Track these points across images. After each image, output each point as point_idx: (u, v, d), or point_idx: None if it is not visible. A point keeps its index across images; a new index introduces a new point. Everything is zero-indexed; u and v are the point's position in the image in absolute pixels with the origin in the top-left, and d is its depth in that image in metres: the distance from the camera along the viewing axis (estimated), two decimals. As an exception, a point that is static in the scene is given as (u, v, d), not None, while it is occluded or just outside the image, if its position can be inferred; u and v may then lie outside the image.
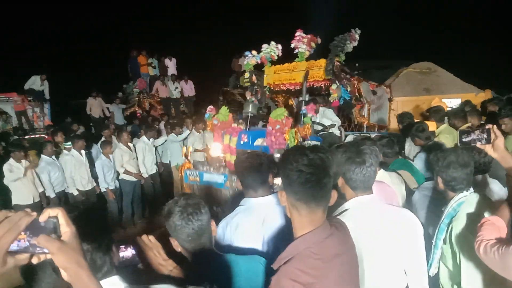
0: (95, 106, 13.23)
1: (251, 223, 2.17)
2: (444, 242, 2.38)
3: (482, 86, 9.65)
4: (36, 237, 0.94)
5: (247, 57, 6.25)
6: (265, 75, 6.31)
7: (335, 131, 6.46)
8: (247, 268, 1.73)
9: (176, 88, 14.18)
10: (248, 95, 6.31)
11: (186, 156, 5.37)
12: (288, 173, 1.43)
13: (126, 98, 14.55)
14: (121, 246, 1.63)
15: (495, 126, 2.01)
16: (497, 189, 2.86)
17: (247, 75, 6.31)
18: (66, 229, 0.99)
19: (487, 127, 2.01)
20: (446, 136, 4.98)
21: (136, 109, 13.91)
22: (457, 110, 5.43)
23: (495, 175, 3.07)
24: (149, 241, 1.66)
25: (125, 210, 7.39)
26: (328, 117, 6.52)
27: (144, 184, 7.70)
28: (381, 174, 3.11)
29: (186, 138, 8.48)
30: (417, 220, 1.98)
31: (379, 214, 1.93)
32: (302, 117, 5.36)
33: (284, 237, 2.07)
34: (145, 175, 7.66)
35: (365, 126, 6.75)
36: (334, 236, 1.48)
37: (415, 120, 5.72)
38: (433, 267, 2.46)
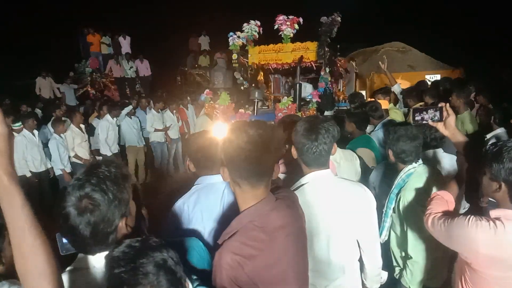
0: (44, 87, 12.62)
1: (210, 200, 2.15)
2: (394, 211, 2.52)
3: (453, 64, 10.06)
4: None
5: (231, 38, 6.47)
6: (249, 55, 6.55)
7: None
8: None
9: (131, 67, 13.77)
10: (237, 75, 6.57)
11: None
12: (228, 150, 1.43)
13: (78, 77, 13.92)
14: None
15: (447, 105, 2.07)
16: (449, 163, 2.96)
17: (235, 56, 6.54)
18: None
19: (439, 105, 2.08)
20: (395, 111, 5.26)
21: (89, 89, 13.36)
22: (410, 89, 5.64)
23: (451, 151, 3.20)
24: None
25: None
26: (307, 92, 6.69)
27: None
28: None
29: (130, 113, 8.36)
30: (370, 194, 2.04)
31: (335, 188, 1.97)
32: (310, 103, 5.74)
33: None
34: (109, 153, 7.58)
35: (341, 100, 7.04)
36: (279, 209, 1.50)
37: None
38: (383, 234, 2.59)
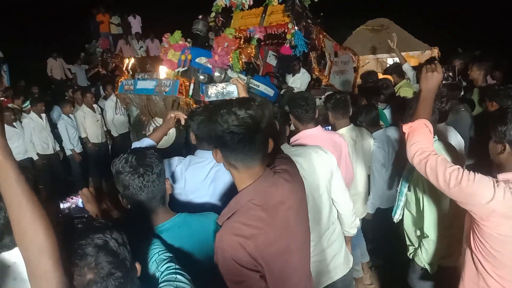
0: (56, 68, 12.67)
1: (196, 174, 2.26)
2: (409, 189, 2.44)
3: (430, 43, 9.82)
4: None
5: None
6: (232, 21, 6.20)
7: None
8: (199, 228, 1.68)
9: (141, 47, 13.67)
10: (211, 35, 6.15)
11: (126, 68, 5.34)
12: (219, 134, 1.38)
13: (88, 58, 13.89)
14: (67, 198, 1.61)
15: None
16: (454, 139, 2.92)
17: (212, 14, 6.24)
18: None
19: (453, 64, 1.98)
20: (406, 89, 5.20)
21: (100, 69, 13.34)
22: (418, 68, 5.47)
23: (455, 125, 3.14)
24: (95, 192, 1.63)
25: (91, 173, 7.20)
26: (299, 80, 6.50)
27: (115, 144, 7.58)
28: (350, 128, 3.32)
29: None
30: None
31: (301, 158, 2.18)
32: (249, 37, 5.41)
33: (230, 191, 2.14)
34: (115, 134, 7.56)
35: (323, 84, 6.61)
36: (278, 184, 1.48)
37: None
38: (397, 214, 2.55)
